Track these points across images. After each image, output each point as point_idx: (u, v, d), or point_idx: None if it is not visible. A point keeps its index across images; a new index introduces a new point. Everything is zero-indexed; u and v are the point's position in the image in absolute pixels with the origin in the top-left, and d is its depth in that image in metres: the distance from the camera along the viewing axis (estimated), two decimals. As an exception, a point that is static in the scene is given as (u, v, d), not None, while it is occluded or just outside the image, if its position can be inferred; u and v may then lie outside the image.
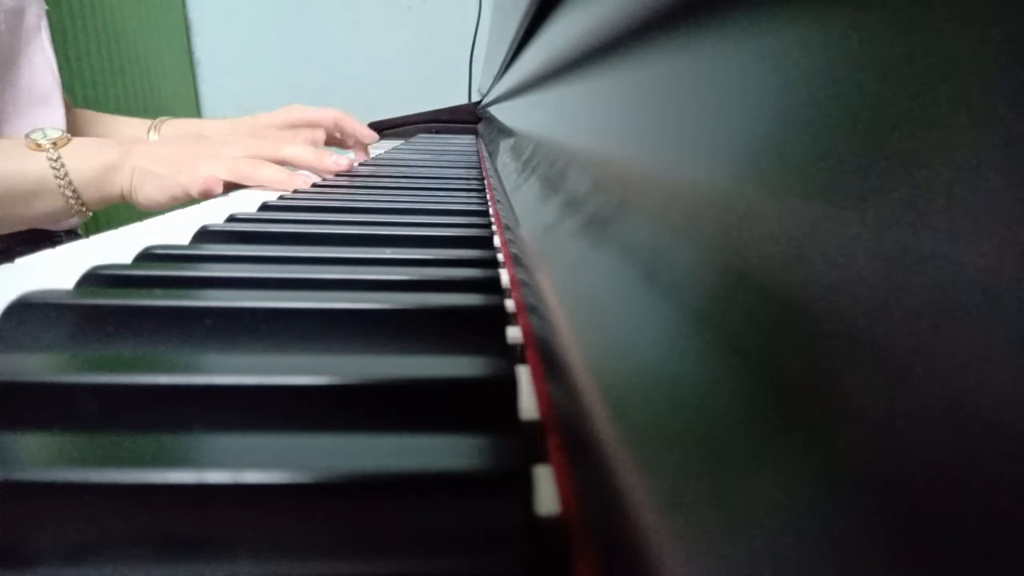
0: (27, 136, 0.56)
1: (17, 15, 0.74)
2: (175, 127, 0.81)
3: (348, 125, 0.81)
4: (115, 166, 0.58)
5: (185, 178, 0.57)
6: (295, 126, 0.79)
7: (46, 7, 0.80)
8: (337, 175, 0.63)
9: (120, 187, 0.58)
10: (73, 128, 0.78)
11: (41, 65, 0.77)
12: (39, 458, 0.13)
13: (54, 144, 0.56)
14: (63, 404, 0.16)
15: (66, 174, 0.56)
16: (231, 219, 0.38)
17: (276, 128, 0.78)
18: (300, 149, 0.61)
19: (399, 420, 0.16)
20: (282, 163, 0.59)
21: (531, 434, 0.16)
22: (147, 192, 0.58)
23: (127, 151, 0.59)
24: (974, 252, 0.06)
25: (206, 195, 0.57)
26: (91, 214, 0.60)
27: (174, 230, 0.38)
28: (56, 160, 0.56)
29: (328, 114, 0.80)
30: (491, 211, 0.44)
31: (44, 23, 0.79)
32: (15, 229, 0.61)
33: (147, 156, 0.59)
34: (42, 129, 0.57)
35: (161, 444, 0.13)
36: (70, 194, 0.56)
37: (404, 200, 0.46)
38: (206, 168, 0.57)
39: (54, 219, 0.59)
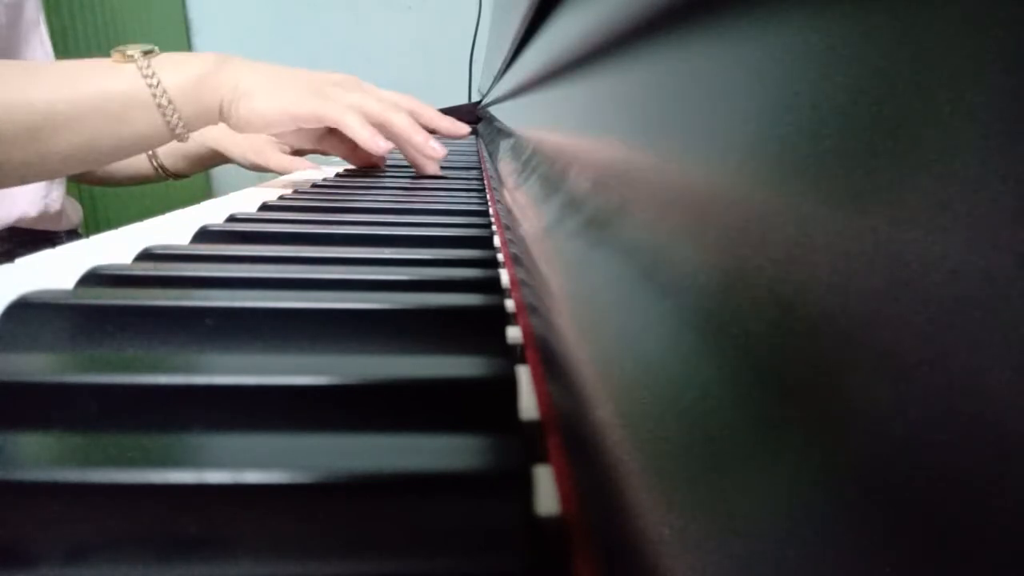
0: (113, 51, 0.51)
1: (16, 8, 0.74)
2: None
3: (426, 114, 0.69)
4: (211, 74, 0.53)
5: (295, 104, 0.53)
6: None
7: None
8: (337, 175, 0.63)
9: (220, 99, 0.53)
10: None
11: (41, 60, 0.77)
12: (39, 458, 0.13)
13: (144, 54, 0.51)
14: (63, 404, 0.16)
15: (159, 82, 0.50)
16: (231, 219, 0.38)
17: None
18: (403, 119, 0.57)
19: (399, 420, 0.16)
20: (381, 126, 0.56)
21: (531, 434, 0.16)
22: (253, 105, 0.53)
23: (222, 60, 0.54)
24: (974, 252, 0.06)
25: (312, 123, 0.54)
26: (190, 136, 0.54)
27: (174, 230, 0.38)
28: (148, 69, 0.50)
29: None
30: (491, 211, 0.44)
31: (42, 16, 0.78)
32: (116, 158, 0.55)
33: (248, 67, 0.54)
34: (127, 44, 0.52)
35: (161, 444, 0.13)
36: (166, 103, 0.51)
37: (404, 200, 0.46)
38: (318, 103, 0.53)
39: (153, 141, 0.53)
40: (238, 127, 0.54)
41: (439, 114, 0.68)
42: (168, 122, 0.51)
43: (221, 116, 0.54)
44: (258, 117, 0.53)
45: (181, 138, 0.54)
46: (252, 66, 0.54)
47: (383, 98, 0.58)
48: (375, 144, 0.54)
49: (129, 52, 0.51)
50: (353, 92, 0.56)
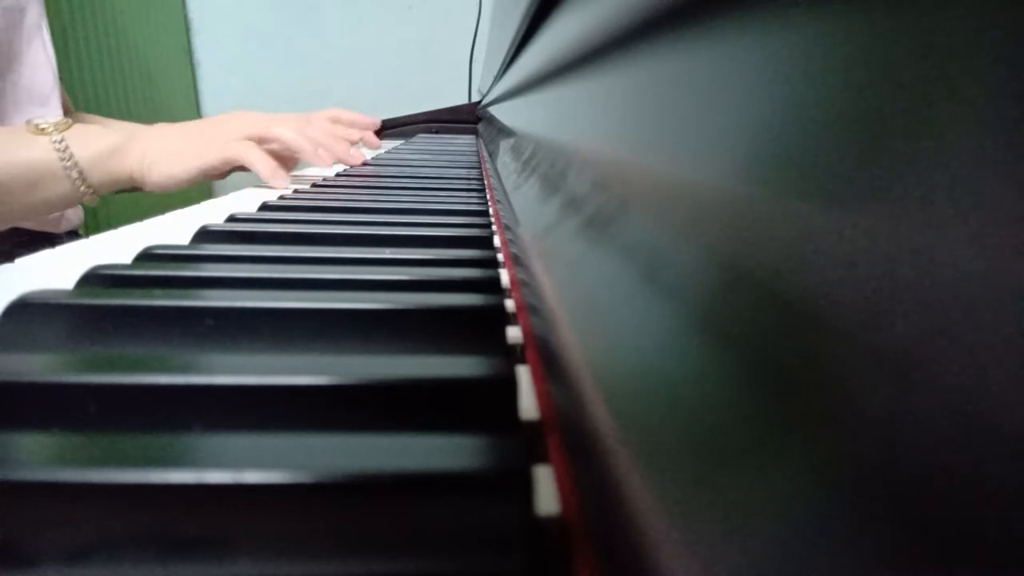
0: (28, 123, 0.56)
1: (17, 12, 0.74)
2: None
3: (346, 118, 0.81)
4: (121, 147, 0.58)
5: (201, 159, 0.58)
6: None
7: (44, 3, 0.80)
8: (337, 175, 0.63)
9: (129, 168, 0.58)
10: None
11: (43, 64, 0.77)
12: (39, 458, 0.13)
13: (56, 127, 0.56)
14: (63, 404, 0.16)
15: (71, 155, 0.55)
16: (231, 219, 0.38)
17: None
18: (289, 132, 0.61)
19: (399, 420, 0.16)
20: (272, 141, 0.61)
21: (531, 434, 0.16)
22: (164, 170, 0.58)
23: (132, 133, 0.59)
24: (974, 252, 0.06)
25: (221, 169, 0.59)
26: (99, 198, 0.60)
27: (174, 230, 0.38)
28: (60, 143, 0.55)
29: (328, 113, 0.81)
30: (491, 211, 0.44)
31: (44, 22, 0.78)
32: (26, 218, 0.60)
33: (155, 136, 0.59)
34: (41, 117, 0.57)
35: (161, 444, 0.13)
36: (76, 175, 0.56)
37: (404, 200, 0.46)
38: (218, 151, 0.58)
39: (62, 205, 0.59)
40: (154, 190, 0.60)
41: (356, 116, 0.80)
42: (78, 188, 0.57)
43: (134, 182, 0.60)
44: (170, 180, 0.59)
45: (90, 201, 0.59)
46: (159, 134, 0.60)
47: (272, 119, 0.63)
48: (275, 180, 0.57)
49: (42, 125, 0.56)
50: (243, 119, 0.61)
